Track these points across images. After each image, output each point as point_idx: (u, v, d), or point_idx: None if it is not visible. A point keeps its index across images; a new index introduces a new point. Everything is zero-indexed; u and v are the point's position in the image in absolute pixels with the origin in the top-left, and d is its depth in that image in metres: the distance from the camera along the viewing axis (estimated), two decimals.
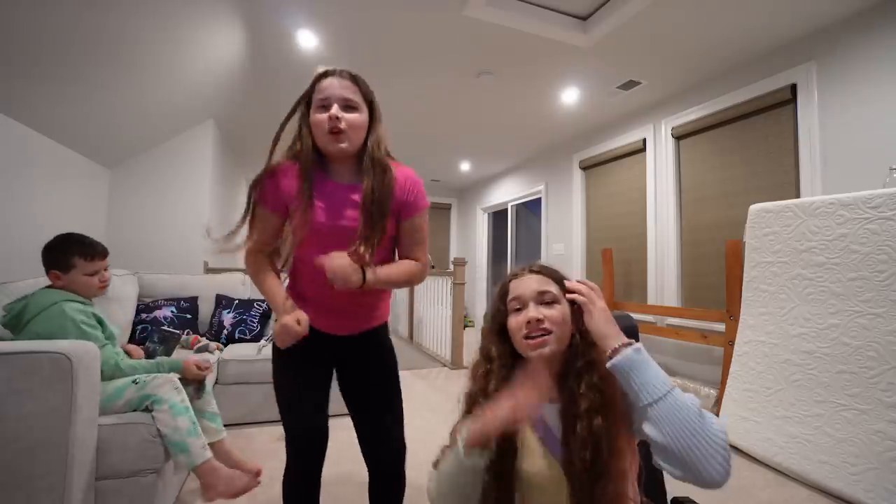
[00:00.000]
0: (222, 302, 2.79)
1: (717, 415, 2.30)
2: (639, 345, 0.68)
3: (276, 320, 0.99)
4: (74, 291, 1.47)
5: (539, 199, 5.07)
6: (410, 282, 1.07)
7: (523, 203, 5.67)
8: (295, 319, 0.94)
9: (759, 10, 2.25)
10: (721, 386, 2.40)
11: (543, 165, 4.98)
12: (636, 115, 3.64)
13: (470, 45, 2.64)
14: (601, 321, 0.72)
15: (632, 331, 1.03)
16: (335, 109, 0.94)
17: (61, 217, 2.43)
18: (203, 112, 3.25)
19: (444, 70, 2.98)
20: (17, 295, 1.51)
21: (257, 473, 1.54)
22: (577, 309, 0.79)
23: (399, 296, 5.49)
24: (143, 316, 2.51)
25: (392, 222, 1.02)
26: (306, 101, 1.00)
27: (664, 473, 0.92)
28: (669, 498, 0.89)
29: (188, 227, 3.33)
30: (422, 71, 2.99)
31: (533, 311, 0.76)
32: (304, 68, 2.92)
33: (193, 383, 1.59)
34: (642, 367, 0.65)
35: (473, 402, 0.79)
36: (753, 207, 2.17)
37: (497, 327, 0.83)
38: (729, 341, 2.42)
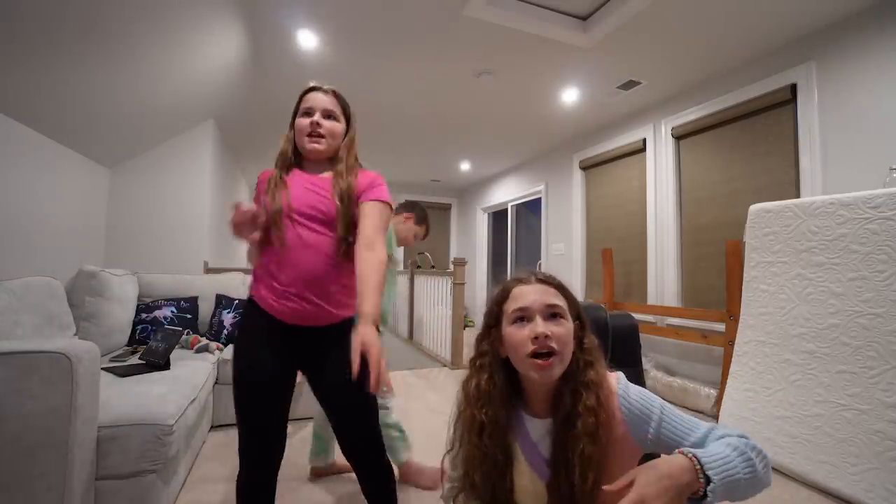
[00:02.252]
0: (222, 302, 2.79)
1: (718, 415, 2.30)
2: (711, 485, 0.55)
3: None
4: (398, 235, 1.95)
5: (539, 199, 5.07)
6: (381, 273, 1.00)
7: (523, 203, 5.67)
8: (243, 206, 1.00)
9: (759, 10, 2.25)
10: (721, 386, 2.40)
11: (543, 165, 4.98)
12: (636, 115, 3.64)
13: (470, 44, 2.64)
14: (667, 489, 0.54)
15: (632, 330, 1.03)
16: (317, 116, 1.10)
17: (61, 216, 2.43)
18: (203, 112, 3.25)
19: (444, 70, 2.98)
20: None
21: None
22: (578, 326, 0.75)
23: (399, 295, 5.48)
24: (143, 316, 2.51)
25: (356, 211, 1.10)
26: (294, 112, 1.15)
27: None
28: None
29: (188, 226, 3.33)
30: (422, 71, 2.99)
31: (542, 327, 0.69)
32: (304, 68, 2.92)
33: None
34: (727, 485, 0.56)
35: (473, 425, 0.74)
36: (753, 207, 2.17)
37: (489, 334, 0.77)
38: (729, 341, 2.42)
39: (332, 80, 3.22)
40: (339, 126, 1.14)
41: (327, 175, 1.13)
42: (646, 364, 3.19)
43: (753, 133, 2.77)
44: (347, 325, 1.11)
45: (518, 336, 0.70)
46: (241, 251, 5.53)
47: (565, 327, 0.71)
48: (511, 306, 0.74)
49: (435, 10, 2.30)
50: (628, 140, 3.70)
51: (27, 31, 1.69)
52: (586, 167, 4.26)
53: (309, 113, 1.11)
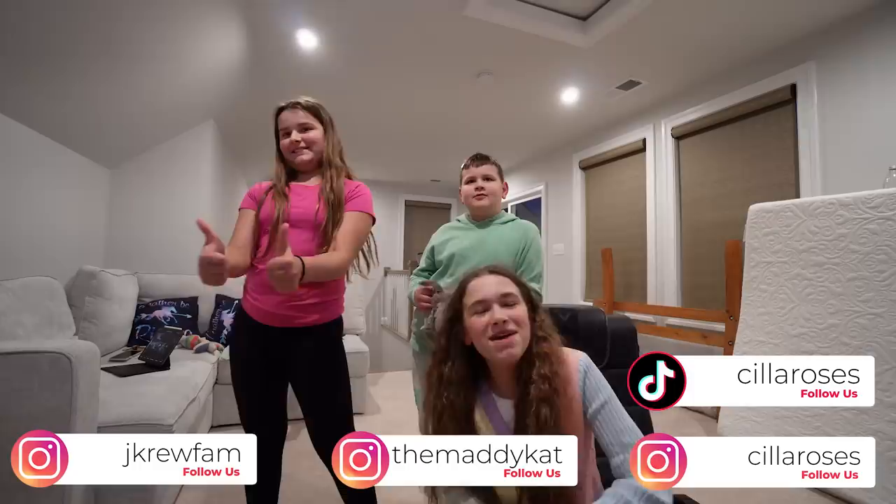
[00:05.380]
0: (222, 302, 2.79)
1: (718, 415, 2.30)
2: None
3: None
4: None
5: (539, 199, 5.06)
6: (332, 270, 1.06)
7: (523, 203, 5.66)
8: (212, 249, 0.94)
9: (759, 10, 2.25)
10: None
11: (543, 165, 4.97)
12: (636, 115, 3.64)
13: (470, 45, 2.64)
14: None
15: (630, 332, 1.03)
16: (294, 134, 1.17)
17: (61, 217, 2.43)
18: (203, 112, 3.25)
19: (443, 70, 2.98)
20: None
21: None
22: (529, 308, 0.82)
23: (399, 294, 5.49)
24: (143, 316, 2.51)
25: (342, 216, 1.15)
26: (275, 134, 1.23)
27: None
28: None
29: (188, 227, 3.31)
30: (422, 71, 2.99)
31: (499, 313, 0.77)
32: (304, 68, 2.92)
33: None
34: None
35: (434, 411, 0.80)
36: (753, 207, 2.17)
37: (452, 328, 0.84)
38: (729, 341, 2.42)
39: (332, 79, 3.22)
40: (316, 132, 1.20)
41: (317, 182, 1.20)
42: None
43: (753, 133, 2.77)
44: (327, 328, 1.17)
45: (479, 324, 0.78)
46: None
47: (520, 310, 0.79)
48: (470, 300, 0.82)
49: (435, 11, 2.30)
50: (628, 140, 3.70)
51: (26, 31, 1.69)
52: (586, 167, 4.26)
53: (287, 133, 1.18)
